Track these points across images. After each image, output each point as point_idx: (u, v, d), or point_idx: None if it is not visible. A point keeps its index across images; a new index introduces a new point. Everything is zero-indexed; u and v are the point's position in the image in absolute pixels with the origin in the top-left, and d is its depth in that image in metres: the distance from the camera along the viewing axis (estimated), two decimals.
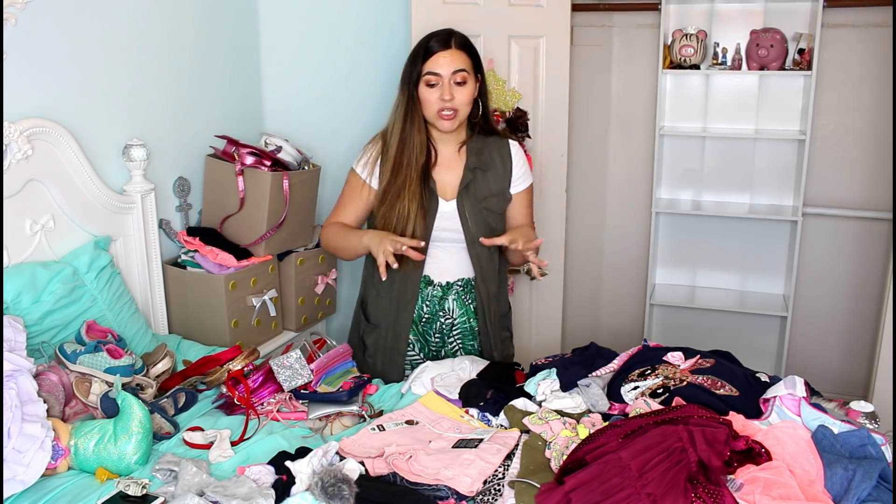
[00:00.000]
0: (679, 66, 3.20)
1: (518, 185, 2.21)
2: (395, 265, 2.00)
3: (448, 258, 2.18)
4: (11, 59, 2.03)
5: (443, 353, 2.26)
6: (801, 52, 3.05)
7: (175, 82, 2.62)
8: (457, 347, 2.26)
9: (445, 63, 2.04)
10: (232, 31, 2.88)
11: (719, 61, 3.20)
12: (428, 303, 2.22)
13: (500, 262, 2.27)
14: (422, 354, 2.26)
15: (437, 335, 2.25)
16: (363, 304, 2.33)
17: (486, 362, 2.09)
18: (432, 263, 2.18)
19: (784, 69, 3.10)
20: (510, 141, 2.24)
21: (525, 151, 2.39)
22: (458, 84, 2.05)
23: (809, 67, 3.02)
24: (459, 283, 2.22)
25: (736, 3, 3.23)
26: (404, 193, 2.09)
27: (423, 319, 2.23)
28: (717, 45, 3.21)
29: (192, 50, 2.68)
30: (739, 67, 3.16)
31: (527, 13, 2.79)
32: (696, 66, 3.18)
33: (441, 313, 2.22)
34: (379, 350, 2.26)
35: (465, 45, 2.09)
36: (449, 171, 2.16)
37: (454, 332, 2.25)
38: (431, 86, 2.05)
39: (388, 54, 2.92)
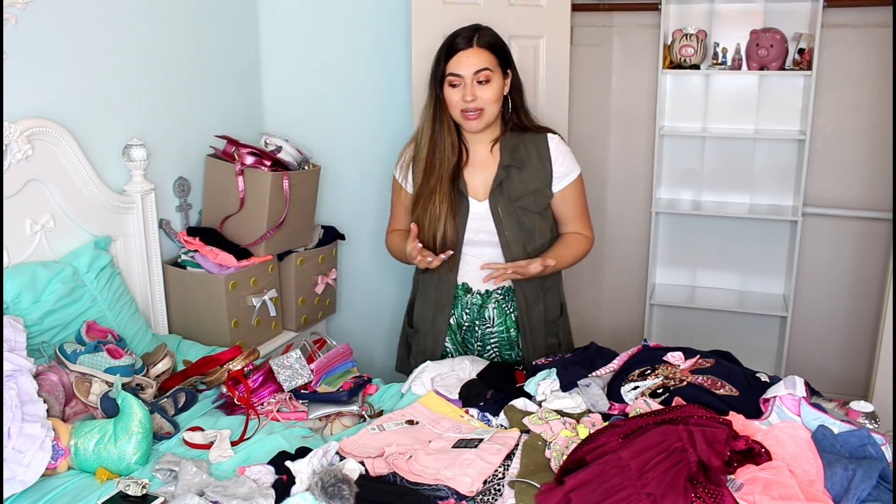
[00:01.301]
0: (679, 66, 3.20)
1: (561, 181, 2.10)
2: (432, 259, 2.00)
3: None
4: (11, 59, 2.03)
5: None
6: (801, 52, 3.05)
7: (175, 82, 2.62)
8: (495, 357, 2.21)
9: (466, 63, 1.97)
10: (232, 31, 2.88)
11: (719, 61, 3.20)
12: (468, 311, 2.17)
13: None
14: None
15: (477, 343, 2.20)
16: (410, 307, 2.31)
17: (486, 362, 2.09)
18: (469, 270, 2.13)
19: (784, 69, 3.09)
20: (549, 135, 2.11)
21: None
22: (481, 83, 1.97)
23: (809, 67, 3.02)
24: (499, 292, 2.15)
25: (736, 3, 3.22)
26: (435, 196, 2.04)
27: (464, 327, 2.19)
28: (717, 45, 3.21)
29: (192, 50, 2.68)
30: (739, 67, 3.16)
31: (527, 13, 2.78)
32: (696, 66, 3.18)
33: (478, 321, 2.17)
34: (419, 353, 2.23)
35: (490, 43, 2.01)
36: (482, 170, 2.09)
37: (492, 341, 2.19)
38: (454, 86, 1.99)
39: (388, 54, 2.92)
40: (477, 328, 2.18)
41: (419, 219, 2.07)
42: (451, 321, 2.20)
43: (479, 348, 2.21)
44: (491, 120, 2.04)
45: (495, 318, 2.16)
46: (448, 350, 2.23)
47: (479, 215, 2.08)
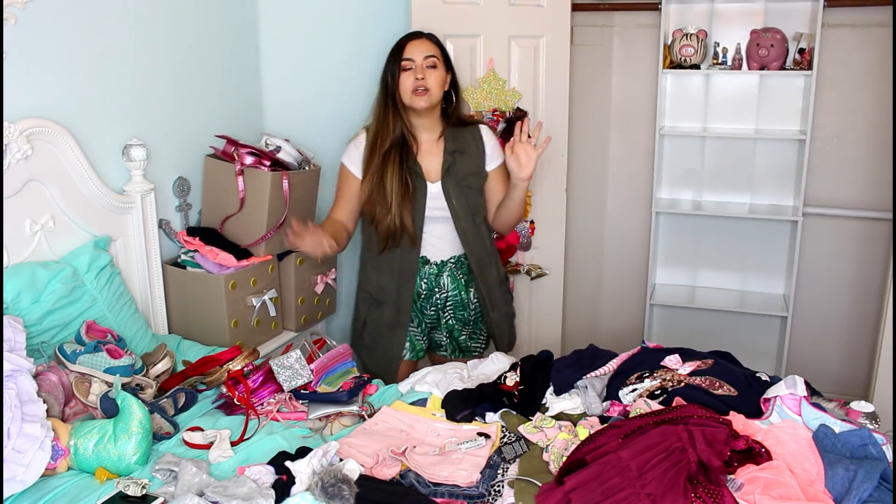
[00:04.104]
0: (679, 66, 3.20)
1: (491, 162, 2.40)
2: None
3: (440, 239, 2.40)
4: (11, 59, 2.02)
5: (439, 324, 2.49)
6: (801, 51, 3.05)
7: (175, 82, 2.62)
8: (450, 318, 2.48)
9: (417, 49, 2.29)
10: (232, 30, 2.88)
11: (719, 61, 3.20)
12: (426, 280, 2.43)
13: (488, 237, 2.47)
14: (420, 329, 2.48)
15: (432, 309, 2.46)
16: (363, 285, 2.52)
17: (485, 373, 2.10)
18: (427, 245, 2.40)
19: (784, 69, 3.09)
20: (480, 125, 2.44)
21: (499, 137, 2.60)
22: (430, 68, 2.28)
23: (810, 67, 3.02)
24: (452, 261, 2.43)
25: (736, 2, 3.22)
26: (387, 175, 2.29)
27: (422, 296, 2.44)
28: (718, 44, 3.21)
29: (191, 50, 2.68)
30: (740, 67, 3.16)
31: (527, 13, 2.79)
32: (697, 66, 3.18)
33: (437, 289, 2.43)
34: (382, 326, 2.45)
35: (435, 39, 2.34)
36: (431, 157, 2.36)
37: (448, 306, 2.46)
38: (407, 70, 2.28)
39: (387, 54, 2.91)
40: (434, 295, 2.44)
41: (373, 196, 2.31)
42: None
43: (434, 313, 2.47)
44: (435, 101, 2.31)
45: (450, 284, 2.44)
46: (411, 317, 2.45)
47: (434, 195, 2.35)
